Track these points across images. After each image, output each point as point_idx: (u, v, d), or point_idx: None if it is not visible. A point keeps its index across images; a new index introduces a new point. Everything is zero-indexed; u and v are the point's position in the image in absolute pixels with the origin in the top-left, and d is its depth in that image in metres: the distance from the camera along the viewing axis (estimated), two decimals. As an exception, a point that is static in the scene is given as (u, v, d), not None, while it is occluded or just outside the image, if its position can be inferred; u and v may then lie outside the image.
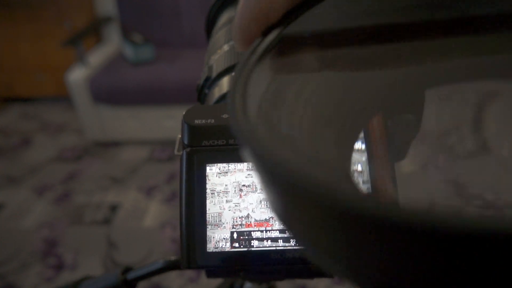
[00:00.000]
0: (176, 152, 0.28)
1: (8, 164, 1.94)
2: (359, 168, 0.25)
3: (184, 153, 0.26)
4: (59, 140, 2.13)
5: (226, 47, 0.34)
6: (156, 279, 1.19)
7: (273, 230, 0.25)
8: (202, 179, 0.26)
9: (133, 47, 1.91)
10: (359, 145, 0.25)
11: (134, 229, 1.53)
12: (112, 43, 2.25)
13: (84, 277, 0.43)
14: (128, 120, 1.96)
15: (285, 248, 0.25)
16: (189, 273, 1.25)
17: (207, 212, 0.26)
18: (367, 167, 0.25)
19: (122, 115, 1.94)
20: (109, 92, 1.86)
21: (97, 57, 2.03)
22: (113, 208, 1.63)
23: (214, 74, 0.33)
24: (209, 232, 0.25)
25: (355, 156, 0.25)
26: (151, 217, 1.58)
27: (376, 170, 0.24)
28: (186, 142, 0.26)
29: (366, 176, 0.24)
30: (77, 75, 1.85)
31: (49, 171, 1.87)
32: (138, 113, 1.93)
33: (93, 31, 2.04)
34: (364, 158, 0.25)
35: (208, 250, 0.25)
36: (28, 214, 1.61)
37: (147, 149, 2.02)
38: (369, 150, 0.25)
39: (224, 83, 0.32)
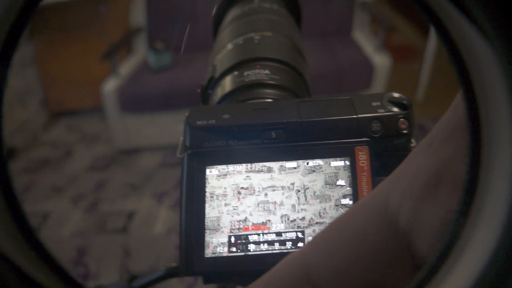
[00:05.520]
0: (178, 155, 0.28)
1: (53, 175, 2.01)
2: None
3: (186, 156, 0.26)
4: (93, 150, 2.20)
5: (230, 46, 0.34)
6: (159, 285, 1.18)
7: (270, 233, 0.25)
8: (202, 182, 0.25)
9: (155, 54, 1.97)
10: (346, 201, 0.24)
11: (146, 236, 1.55)
12: (139, 52, 2.31)
13: (97, 286, 0.43)
14: (146, 127, 2.01)
15: (281, 251, 0.24)
16: (188, 278, 1.24)
17: (206, 216, 0.25)
18: None
19: (142, 122, 1.99)
20: (133, 100, 1.91)
21: (127, 67, 2.10)
22: (130, 216, 1.66)
23: (217, 74, 0.33)
24: (207, 237, 0.25)
25: (342, 212, 0.24)
26: (161, 223, 1.60)
27: None
28: (187, 144, 0.26)
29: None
30: (110, 86, 1.91)
31: (83, 181, 1.93)
32: (155, 119, 1.98)
33: (126, 42, 2.10)
34: None
35: (206, 256, 0.25)
36: (66, 223, 1.67)
37: (161, 154, 2.05)
38: None
39: (227, 83, 0.32)
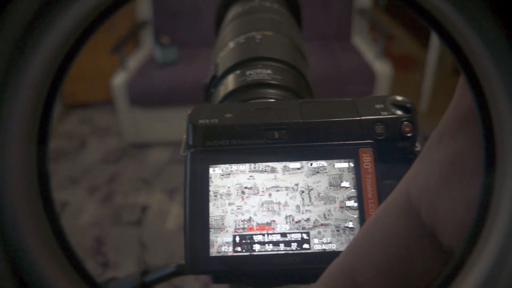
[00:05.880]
0: (181, 153, 0.28)
1: (69, 165, 2.05)
2: (350, 225, 0.24)
3: (189, 154, 0.26)
4: (105, 142, 2.23)
5: (231, 44, 0.34)
6: (176, 281, 1.20)
7: (275, 233, 0.25)
8: (205, 181, 0.25)
9: (161, 49, 1.98)
10: (351, 203, 0.24)
11: (159, 231, 1.58)
12: (147, 46, 2.31)
13: (111, 278, 0.44)
14: (155, 121, 2.02)
15: (286, 252, 0.24)
16: (204, 277, 1.25)
17: (210, 215, 0.25)
18: (359, 225, 0.24)
19: (151, 117, 2.01)
20: (142, 94, 1.92)
21: (134, 61, 2.11)
22: (144, 210, 1.69)
23: (220, 72, 0.33)
24: (212, 236, 0.25)
25: (347, 214, 0.24)
26: (173, 218, 1.63)
27: None
28: (190, 142, 0.26)
29: (357, 233, 0.23)
30: (118, 80, 1.92)
31: (97, 172, 1.97)
32: (163, 114, 1.99)
33: (132, 36, 2.11)
34: (356, 215, 0.24)
35: (211, 255, 0.25)
36: (84, 212, 1.71)
37: (171, 150, 2.07)
38: (361, 208, 0.24)
39: (229, 81, 0.31)
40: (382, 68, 1.85)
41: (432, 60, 2.14)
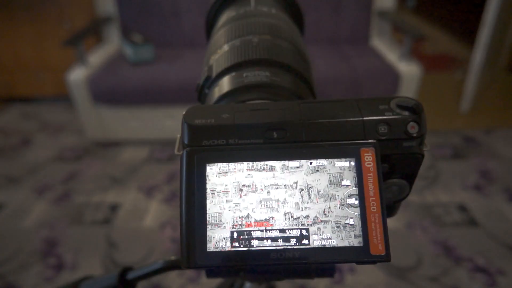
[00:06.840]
0: (176, 152, 0.27)
1: (7, 164, 1.94)
2: (351, 222, 0.25)
3: (184, 152, 0.25)
4: (59, 140, 2.13)
5: (226, 47, 0.34)
6: (156, 279, 1.19)
7: (273, 229, 0.25)
8: (202, 179, 0.25)
9: (133, 47, 1.92)
10: (352, 200, 0.25)
11: (134, 229, 1.53)
12: (112, 43, 2.25)
13: (84, 277, 0.42)
14: (128, 120, 1.96)
15: (285, 247, 0.24)
16: (189, 273, 1.25)
17: (207, 212, 0.25)
18: (359, 221, 0.25)
19: (123, 115, 1.95)
20: (109, 92, 1.86)
21: (97, 57, 2.04)
22: (113, 208, 1.64)
23: (214, 74, 0.32)
24: (209, 232, 0.25)
25: (348, 211, 0.25)
26: (152, 217, 1.59)
27: (368, 225, 0.24)
28: (186, 141, 0.26)
29: (358, 230, 0.24)
30: (77, 75, 1.85)
31: (49, 171, 1.87)
32: (138, 113, 1.94)
33: (93, 31, 2.04)
34: (356, 213, 0.25)
35: (208, 250, 0.25)
36: (28, 214, 1.61)
37: (147, 149, 2.02)
38: (362, 206, 0.24)
39: (224, 83, 0.31)
40: (407, 69, 1.86)
41: (478, 59, 2.12)
